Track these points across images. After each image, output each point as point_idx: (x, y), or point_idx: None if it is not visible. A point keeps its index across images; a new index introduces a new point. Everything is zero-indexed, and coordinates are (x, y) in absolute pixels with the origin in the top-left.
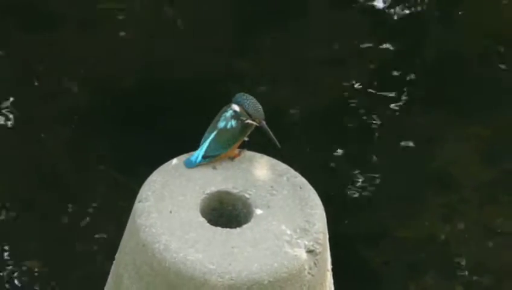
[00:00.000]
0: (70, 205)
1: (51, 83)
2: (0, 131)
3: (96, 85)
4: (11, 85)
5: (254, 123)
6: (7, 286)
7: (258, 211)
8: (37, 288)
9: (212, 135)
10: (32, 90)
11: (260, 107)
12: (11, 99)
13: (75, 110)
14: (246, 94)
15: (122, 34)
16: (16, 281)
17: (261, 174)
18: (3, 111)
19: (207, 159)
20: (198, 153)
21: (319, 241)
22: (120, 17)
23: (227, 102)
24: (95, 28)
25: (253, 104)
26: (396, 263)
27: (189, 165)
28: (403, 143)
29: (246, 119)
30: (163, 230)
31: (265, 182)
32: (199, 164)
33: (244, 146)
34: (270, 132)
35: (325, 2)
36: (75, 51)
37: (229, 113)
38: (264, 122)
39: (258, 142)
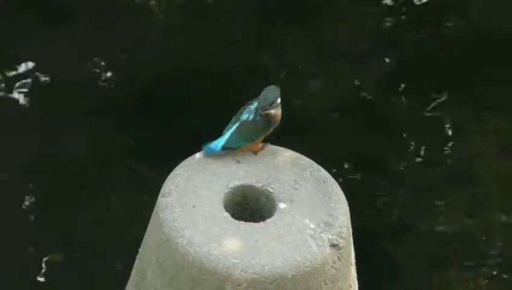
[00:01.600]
0: (93, 199)
1: (71, 76)
2: (24, 125)
3: (119, 78)
4: (33, 79)
5: (267, 112)
6: (31, 278)
7: (282, 205)
8: (59, 281)
9: (234, 127)
10: (53, 85)
11: (271, 95)
12: (33, 93)
13: (97, 104)
14: (271, 86)
15: (142, 26)
16: (39, 275)
17: (285, 168)
18: (26, 104)
19: (226, 150)
20: (218, 143)
21: (343, 235)
22: (139, 10)
23: (250, 96)
24: (115, 21)
25: (265, 94)
26: (420, 257)
27: (208, 151)
28: (425, 137)
29: (262, 111)
30: (187, 224)
31: (288, 176)
32: (217, 153)
33: (269, 140)
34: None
35: None
36: (94, 44)
37: (253, 106)
38: (271, 110)
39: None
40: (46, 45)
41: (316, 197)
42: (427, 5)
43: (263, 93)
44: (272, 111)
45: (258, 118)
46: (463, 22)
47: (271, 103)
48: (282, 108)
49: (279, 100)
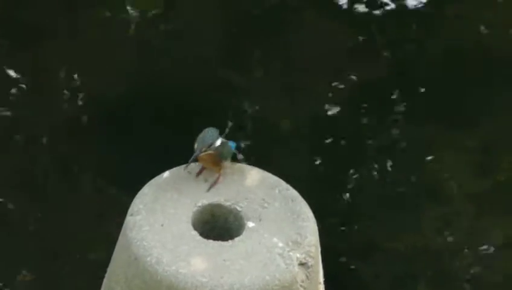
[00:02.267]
0: (61, 218)
1: (44, 93)
2: None
3: (87, 95)
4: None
5: (204, 154)
6: None
7: (250, 224)
8: None
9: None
10: (23, 102)
11: (209, 137)
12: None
13: (64, 121)
14: (209, 128)
15: (113, 42)
16: None
17: (253, 186)
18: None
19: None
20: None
21: (311, 254)
22: (110, 25)
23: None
24: (82, 38)
25: (202, 136)
26: (388, 276)
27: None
28: (395, 154)
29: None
30: (155, 243)
31: (256, 194)
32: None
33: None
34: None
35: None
36: (61, 61)
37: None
38: (209, 152)
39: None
40: (14, 61)
41: (284, 216)
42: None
43: (200, 135)
44: (210, 152)
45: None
46: (434, 35)
47: (209, 145)
48: (227, 147)
49: (218, 142)
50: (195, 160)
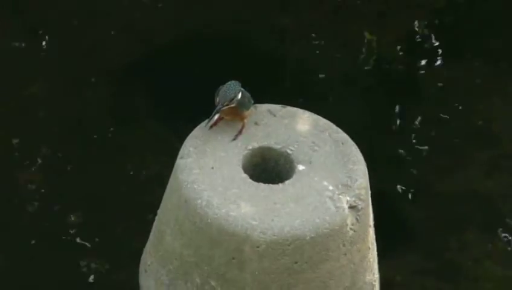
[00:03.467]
0: (112, 161)
1: (88, 37)
2: (40, 88)
3: (136, 39)
4: (49, 41)
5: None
6: (50, 238)
7: (300, 167)
8: (80, 241)
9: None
10: (70, 45)
11: (231, 90)
12: (49, 55)
13: (114, 65)
14: (231, 81)
15: None
16: (61, 235)
17: (303, 130)
18: (43, 69)
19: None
20: None
21: (361, 197)
22: None
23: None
24: None
25: (224, 89)
26: (437, 219)
27: None
28: (443, 98)
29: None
30: (205, 186)
31: (307, 137)
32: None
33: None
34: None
35: None
36: (111, 5)
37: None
38: (231, 105)
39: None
40: (60, 8)
41: (335, 159)
42: None
43: (222, 89)
44: (232, 105)
45: (216, 116)
46: None
47: (231, 99)
48: (247, 97)
49: (239, 95)
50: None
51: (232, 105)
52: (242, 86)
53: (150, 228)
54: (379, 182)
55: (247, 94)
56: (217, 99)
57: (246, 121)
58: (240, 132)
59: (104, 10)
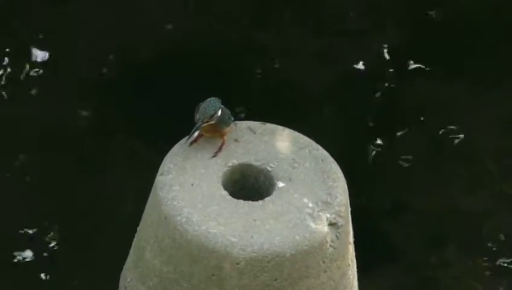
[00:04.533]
0: (91, 177)
1: (70, 53)
2: (22, 102)
3: (116, 56)
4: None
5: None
6: (30, 254)
7: (280, 184)
8: (58, 257)
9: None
10: (52, 61)
11: (211, 107)
12: (32, 69)
13: (95, 81)
14: (211, 98)
15: (138, 5)
16: (38, 252)
17: (283, 146)
18: (23, 82)
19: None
20: None
21: (341, 214)
22: None
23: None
24: (113, 1)
25: (204, 106)
26: (418, 236)
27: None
28: (424, 115)
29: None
30: (185, 203)
31: (287, 154)
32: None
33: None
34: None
35: None
36: (92, 22)
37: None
38: (210, 122)
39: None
40: (45, 22)
41: (315, 176)
42: None
43: (202, 105)
44: (212, 122)
45: (195, 133)
46: None
47: (210, 116)
48: (227, 114)
49: (219, 112)
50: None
51: (212, 122)
52: (222, 103)
53: (130, 244)
54: (359, 198)
55: (227, 111)
56: (197, 116)
57: (225, 138)
58: (220, 149)
59: (84, 23)
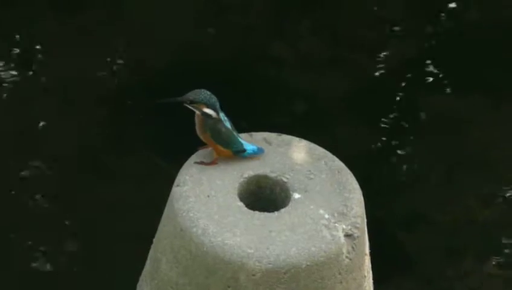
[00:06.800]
0: (108, 188)
1: (83, 63)
2: (37, 112)
3: (133, 67)
4: (48, 67)
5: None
6: (48, 266)
7: (296, 195)
8: (76, 269)
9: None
10: (69, 73)
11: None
12: (47, 81)
13: (112, 93)
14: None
15: (154, 14)
16: (55, 263)
17: (299, 158)
18: (41, 91)
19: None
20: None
21: (357, 225)
22: None
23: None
24: (124, 10)
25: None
26: (434, 248)
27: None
28: (441, 127)
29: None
30: (201, 214)
31: (303, 166)
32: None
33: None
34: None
35: None
36: (105, 33)
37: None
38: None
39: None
40: (55, 33)
41: (331, 187)
42: None
43: (210, 94)
44: (198, 112)
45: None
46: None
47: (205, 104)
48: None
49: (215, 113)
50: (179, 103)
51: (198, 112)
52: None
53: (146, 255)
54: (375, 210)
55: (227, 131)
56: (192, 95)
57: (216, 157)
58: (206, 164)
59: (101, 37)
